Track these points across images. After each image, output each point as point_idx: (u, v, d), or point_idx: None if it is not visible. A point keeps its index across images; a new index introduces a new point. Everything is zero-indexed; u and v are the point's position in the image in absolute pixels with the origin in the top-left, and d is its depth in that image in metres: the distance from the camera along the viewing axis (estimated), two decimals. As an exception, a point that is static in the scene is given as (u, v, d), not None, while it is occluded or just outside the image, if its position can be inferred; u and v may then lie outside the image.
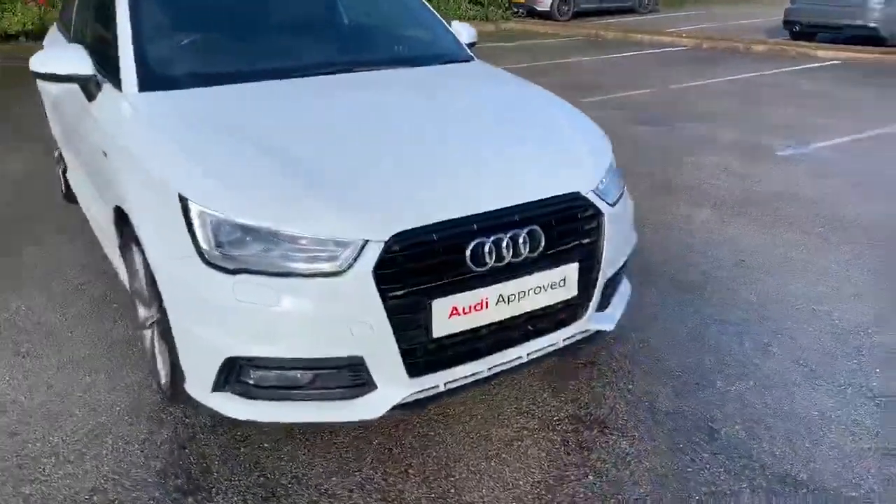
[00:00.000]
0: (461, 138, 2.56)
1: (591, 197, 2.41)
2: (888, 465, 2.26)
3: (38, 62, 2.85)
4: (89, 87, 2.87)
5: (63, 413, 2.56)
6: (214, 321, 2.13)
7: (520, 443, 2.41)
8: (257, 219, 2.08)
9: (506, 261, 2.20)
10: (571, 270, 2.37)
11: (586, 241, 2.40)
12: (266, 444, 2.40)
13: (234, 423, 2.38)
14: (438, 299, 2.12)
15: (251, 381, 2.18)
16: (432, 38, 3.43)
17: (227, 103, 2.67)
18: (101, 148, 2.74)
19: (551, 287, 2.33)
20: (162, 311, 2.27)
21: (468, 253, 2.14)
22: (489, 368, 2.30)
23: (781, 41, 11.98)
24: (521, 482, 2.23)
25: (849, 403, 2.56)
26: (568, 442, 2.41)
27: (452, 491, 2.20)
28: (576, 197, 2.38)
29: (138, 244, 2.39)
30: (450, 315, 2.16)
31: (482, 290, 2.18)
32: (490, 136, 2.62)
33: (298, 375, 2.15)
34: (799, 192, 4.78)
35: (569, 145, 2.63)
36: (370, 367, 2.13)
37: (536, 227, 2.25)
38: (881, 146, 5.99)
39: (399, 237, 2.06)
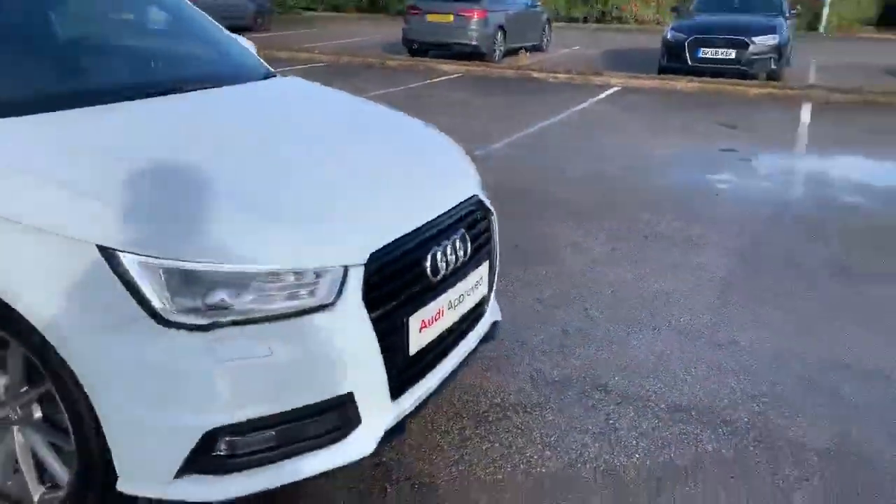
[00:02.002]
0: (358, 155, 2.48)
1: (483, 199, 2.59)
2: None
3: None
4: None
5: None
6: (187, 392, 1.76)
7: (477, 433, 2.48)
8: (219, 258, 1.77)
9: (451, 267, 2.25)
10: (484, 269, 2.52)
11: (489, 239, 2.57)
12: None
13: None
14: (413, 315, 2.08)
15: (227, 453, 1.85)
16: (238, 53, 3.17)
17: (85, 129, 2.15)
18: None
19: (476, 286, 2.45)
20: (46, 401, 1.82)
21: (427, 264, 2.14)
22: (442, 376, 2.32)
23: (408, 58, 13.36)
24: (531, 468, 2.32)
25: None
26: (511, 422, 2.55)
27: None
28: (477, 200, 2.53)
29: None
30: (420, 329, 2.14)
31: (440, 298, 2.21)
32: (381, 151, 2.58)
33: (287, 431, 1.90)
34: (506, 184, 5.49)
35: (448, 155, 2.75)
36: (358, 400, 1.99)
37: (464, 230, 2.35)
38: (542, 140, 7.23)
39: (375, 257, 1.97)
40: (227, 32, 3.26)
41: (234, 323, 1.77)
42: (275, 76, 3.15)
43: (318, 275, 1.87)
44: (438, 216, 2.27)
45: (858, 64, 14.07)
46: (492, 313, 2.69)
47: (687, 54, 11.46)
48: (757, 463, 2.39)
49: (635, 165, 6.34)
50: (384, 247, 2.01)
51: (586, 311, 3.49)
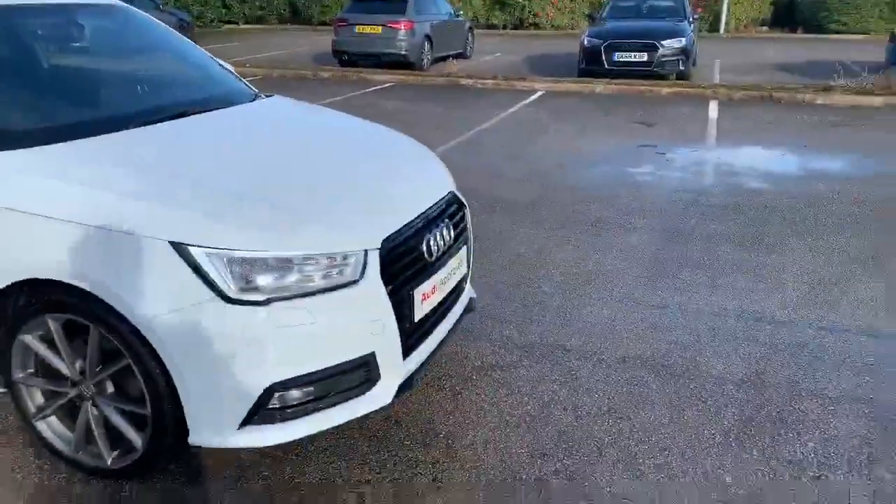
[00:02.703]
0: (355, 161, 2.95)
1: (458, 194, 3.09)
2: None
3: None
4: None
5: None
6: (250, 356, 2.19)
7: (466, 388, 2.97)
8: (267, 248, 2.21)
9: (440, 250, 2.74)
10: (463, 253, 3.03)
11: (465, 228, 3.07)
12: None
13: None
14: (416, 289, 2.57)
15: (278, 405, 2.29)
16: (225, 78, 3.57)
17: (118, 151, 2.54)
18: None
19: (458, 267, 2.96)
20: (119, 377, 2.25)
21: (423, 247, 2.63)
22: (437, 341, 2.81)
23: (341, 69, 13.75)
24: (514, 411, 2.82)
25: (611, 308, 3.79)
26: (492, 378, 3.06)
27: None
28: (453, 195, 3.03)
29: (78, 312, 2.21)
30: (422, 301, 2.62)
31: (434, 276, 2.70)
32: (371, 156, 3.06)
33: (325, 385, 2.35)
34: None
35: (426, 158, 3.24)
36: (379, 360, 2.45)
37: (447, 220, 2.85)
38: (479, 144, 7.79)
39: (386, 242, 2.45)
40: (213, 58, 3.66)
41: (284, 298, 2.21)
42: (261, 97, 3.57)
43: (345, 258, 2.33)
44: (428, 208, 2.76)
45: (756, 62, 15.34)
46: (469, 291, 3.20)
47: (604, 58, 12.30)
48: (691, 394, 2.98)
49: (566, 163, 6.98)
50: (392, 234, 2.49)
51: (540, 287, 4.04)
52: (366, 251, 2.38)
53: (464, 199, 3.08)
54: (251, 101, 3.42)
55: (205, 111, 3.08)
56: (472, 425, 2.78)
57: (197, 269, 2.14)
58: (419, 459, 2.58)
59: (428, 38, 14.27)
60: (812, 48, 18.19)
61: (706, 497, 2.39)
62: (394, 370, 2.51)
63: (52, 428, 2.51)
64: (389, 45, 13.77)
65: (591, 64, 12.52)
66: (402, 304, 2.48)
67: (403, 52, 13.77)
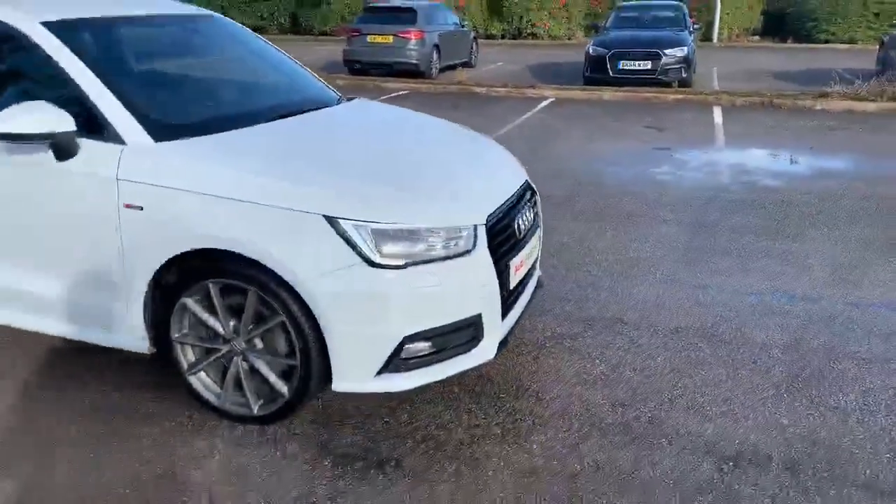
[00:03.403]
0: (448, 151, 3.37)
1: (531, 182, 3.50)
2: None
3: (7, 122, 2.59)
4: (66, 146, 2.71)
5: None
6: (389, 311, 2.58)
7: (547, 358, 3.37)
8: (402, 221, 2.61)
9: (525, 228, 3.15)
10: (538, 234, 3.43)
11: (537, 212, 3.48)
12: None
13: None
14: (511, 261, 2.97)
15: (406, 356, 2.67)
16: (311, 81, 3.98)
17: (259, 142, 2.94)
18: (125, 201, 2.67)
19: (535, 246, 3.36)
20: (269, 333, 2.67)
21: (514, 225, 3.03)
22: (521, 309, 3.21)
23: (355, 77, 14.19)
24: (588, 372, 3.22)
25: (656, 289, 4.20)
26: (564, 346, 3.46)
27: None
28: (528, 182, 3.44)
29: (235, 277, 2.60)
30: (515, 271, 3.02)
31: (522, 251, 3.10)
32: (460, 147, 3.47)
33: (442, 339, 2.74)
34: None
35: (501, 150, 3.65)
36: (484, 320, 2.85)
37: (527, 203, 3.26)
38: (506, 144, 8.19)
39: (490, 219, 2.85)
40: (298, 63, 4.07)
41: (415, 263, 2.61)
42: (347, 100, 3.95)
43: (459, 231, 2.73)
44: (515, 191, 3.18)
45: (751, 70, 15.89)
46: (538, 270, 3.60)
47: (609, 66, 12.79)
48: (742, 357, 3.39)
49: (590, 164, 7.41)
50: (493, 211, 2.90)
51: (589, 271, 4.45)
52: (475, 226, 2.78)
53: (535, 187, 3.48)
54: (340, 103, 3.81)
55: (310, 110, 3.48)
56: (555, 382, 3.18)
57: (346, 238, 2.54)
58: (516, 408, 2.98)
59: (437, 47, 14.73)
60: (803, 57, 18.80)
61: (768, 435, 2.79)
62: (494, 330, 2.90)
63: (202, 381, 2.89)
64: (400, 53, 14.21)
65: (596, 72, 13.00)
66: (501, 273, 2.88)
67: (414, 61, 14.21)
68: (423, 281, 2.62)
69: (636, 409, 2.96)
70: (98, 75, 2.81)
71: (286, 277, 2.55)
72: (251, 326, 2.73)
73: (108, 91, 2.78)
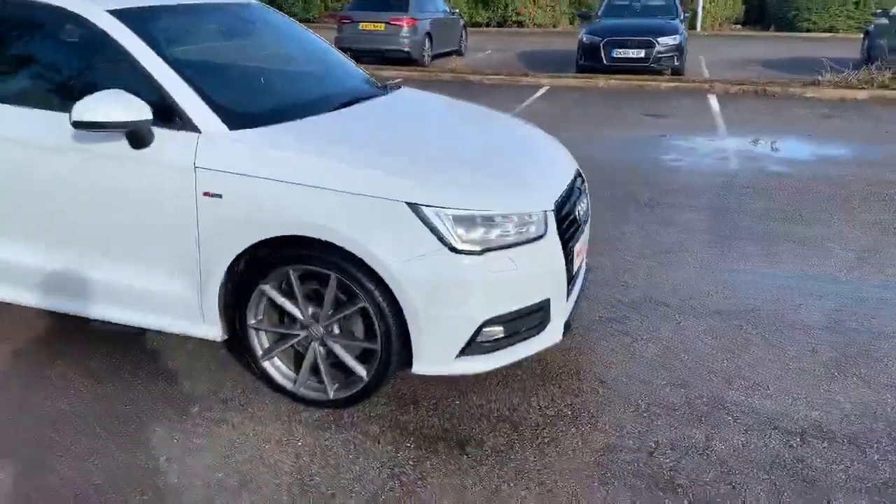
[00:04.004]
0: (504, 139, 3.42)
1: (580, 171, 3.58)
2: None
3: (86, 111, 2.59)
4: (144, 135, 2.72)
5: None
6: (470, 295, 2.64)
7: (600, 340, 3.45)
8: (480, 207, 2.66)
9: (583, 215, 3.22)
10: (588, 223, 3.51)
11: (587, 200, 3.55)
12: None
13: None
14: (574, 246, 3.04)
15: (483, 340, 2.73)
16: (355, 70, 4.00)
17: (331, 131, 2.98)
18: (203, 189, 2.69)
19: (587, 233, 3.44)
20: (350, 318, 2.73)
21: (576, 211, 3.11)
22: (578, 291, 3.28)
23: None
24: (641, 353, 3.31)
25: (690, 273, 4.31)
26: (612, 328, 3.55)
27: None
28: (578, 169, 3.51)
29: (316, 262, 2.65)
30: (576, 256, 3.09)
31: (581, 237, 3.17)
32: (513, 136, 3.52)
33: (516, 323, 2.80)
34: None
35: (552, 139, 3.71)
36: (552, 304, 2.92)
37: (582, 190, 3.33)
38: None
39: (557, 205, 2.91)
40: (338, 51, 4.08)
41: (494, 248, 2.67)
42: (391, 88, 3.95)
43: (532, 217, 2.79)
44: (573, 179, 3.24)
45: (738, 59, 16.10)
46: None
47: (602, 54, 12.87)
48: (786, 337, 3.51)
49: (600, 151, 7.51)
50: (559, 198, 2.96)
51: (624, 257, 4.54)
52: (545, 212, 2.84)
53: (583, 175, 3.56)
54: (388, 91, 3.82)
55: (362, 98, 3.50)
56: (612, 364, 3.26)
57: (428, 224, 2.58)
58: (581, 390, 3.06)
59: (428, 35, 14.70)
60: (787, 45, 19.07)
61: (826, 411, 2.90)
62: (560, 313, 2.97)
63: (275, 367, 2.92)
64: (392, 41, 14.17)
65: (589, 60, 13.08)
66: (567, 257, 2.95)
67: (406, 49, 14.18)
68: (500, 266, 2.67)
69: (696, 389, 3.06)
70: (169, 64, 2.82)
71: (370, 263, 2.59)
72: (330, 311, 2.77)
73: (181, 80, 2.79)
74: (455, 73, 13.36)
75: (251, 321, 2.86)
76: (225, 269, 2.77)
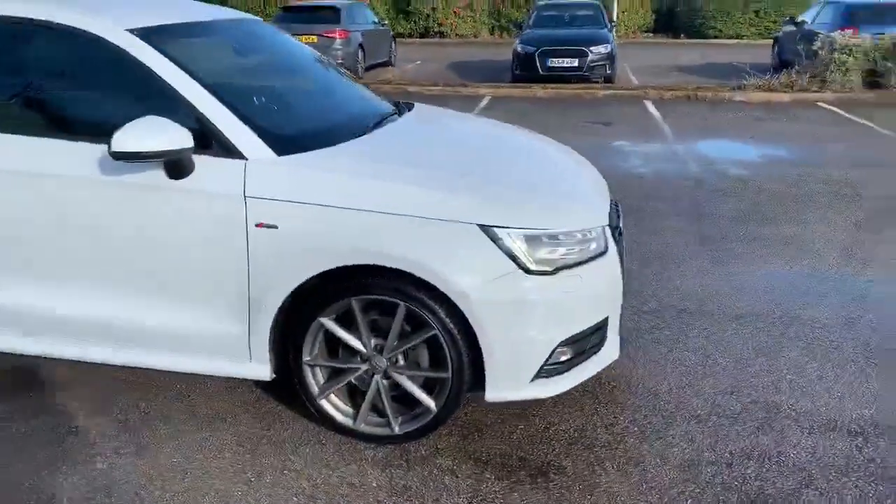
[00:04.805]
0: (540, 156, 3.36)
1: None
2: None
3: (128, 140, 2.36)
4: (185, 164, 2.50)
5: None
6: (542, 318, 2.56)
7: (638, 353, 3.44)
8: (547, 226, 2.59)
9: (622, 229, 3.21)
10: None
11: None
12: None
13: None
14: (623, 259, 3.02)
15: (555, 362, 2.66)
16: (365, 90, 3.83)
17: (380, 153, 2.85)
18: (256, 220, 2.50)
19: (623, 246, 3.43)
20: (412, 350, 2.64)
21: (620, 224, 3.09)
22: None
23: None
24: (683, 362, 3.31)
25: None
26: (649, 338, 3.55)
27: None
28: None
29: (385, 291, 2.52)
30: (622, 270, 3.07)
31: (623, 251, 3.15)
32: (544, 153, 3.46)
33: (582, 343, 2.74)
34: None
35: (575, 154, 3.67)
36: (609, 320, 2.88)
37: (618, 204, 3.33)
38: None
39: (608, 219, 2.88)
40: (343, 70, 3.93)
41: (564, 267, 2.60)
42: (405, 105, 3.78)
43: (590, 232, 2.74)
44: (611, 196, 3.23)
45: (657, 65, 16.73)
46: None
47: (538, 64, 13.10)
48: (810, 336, 3.60)
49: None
50: (608, 213, 2.93)
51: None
52: (603, 227, 2.81)
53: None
54: (405, 108, 3.66)
55: (387, 118, 3.35)
56: (657, 375, 3.25)
57: (502, 246, 2.50)
58: (638, 405, 3.03)
59: (361, 46, 14.55)
60: (699, 52, 19.96)
61: (877, 406, 2.98)
62: (615, 329, 2.94)
63: (333, 404, 2.75)
64: (326, 53, 13.83)
65: (525, 69, 13.27)
66: (622, 272, 2.92)
67: (340, 61, 13.94)
68: (572, 285, 2.61)
69: (748, 395, 3.09)
70: (203, 85, 2.62)
71: (443, 289, 2.47)
72: (396, 342, 2.63)
73: (218, 103, 2.60)
74: (393, 84, 13.25)
75: (306, 357, 2.68)
76: (280, 303, 2.58)
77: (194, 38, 3.05)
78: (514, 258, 2.50)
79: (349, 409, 2.76)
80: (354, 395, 2.79)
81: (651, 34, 25.48)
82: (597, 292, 2.74)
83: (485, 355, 2.55)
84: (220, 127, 2.57)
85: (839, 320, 3.78)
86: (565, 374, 2.72)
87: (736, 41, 22.99)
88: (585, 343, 2.76)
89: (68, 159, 2.62)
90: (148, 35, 2.68)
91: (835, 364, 3.34)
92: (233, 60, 3.29)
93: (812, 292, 4.15)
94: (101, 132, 2.51)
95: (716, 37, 23.43)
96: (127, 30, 2.66)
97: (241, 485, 2.52)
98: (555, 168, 3.21)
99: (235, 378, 3.00)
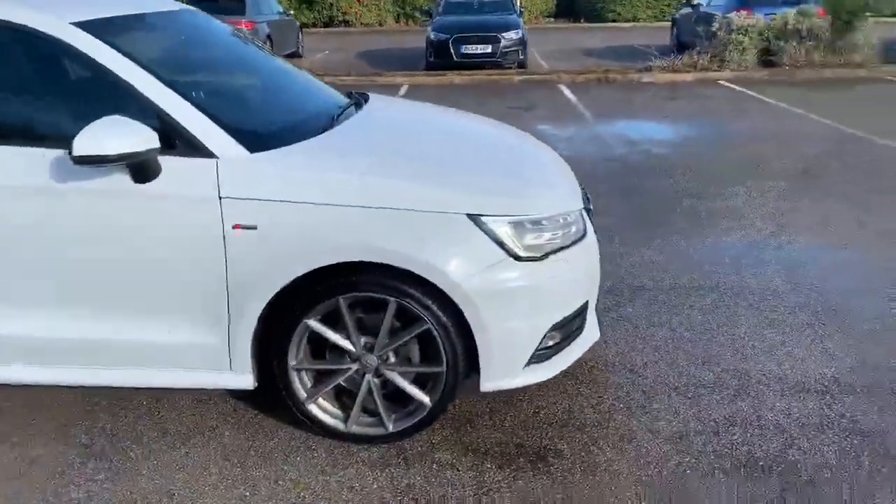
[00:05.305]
0: (509, 144, 3.37)
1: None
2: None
3: (90, 143, 2.17)
4: (151, 166, 2.33)
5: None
6: (533, 304, 2.55)
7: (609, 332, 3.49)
8: (533, 212, 2.57)
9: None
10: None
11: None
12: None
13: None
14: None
15: (544, 347, 2.66)
16: (319, 83, 3.67)
17: (355, 146, 2.75)
18: (234, 221, 2.36)
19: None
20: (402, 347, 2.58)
21: (591, 207, 3.12)
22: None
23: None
24: (650, 333, 3.38)
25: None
26: (613, 317, 3.62)
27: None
28: (567, 164, 3.54)
29: (375, 287, 2.44)
30: (597, 253, 3.11)
31: (594, 231, 3.20)
32: (517, 138, 3.47)
33: (568, 326, 2.76)
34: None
35: (533, 138, 3.68)
36: (589, 303, 2.90)
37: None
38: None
39: (584, 203, 2.91)
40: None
41: (551, 252, 2.60)
42: (362, 96, 3.61)
43: (570, 216, 2.75)
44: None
45: (563, 49, 17.14)
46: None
47: (452, 51, 13.11)
48: (763, 305, 3.78)
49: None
50: (582, 195, 2.96)
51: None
52: (580, 210, 2.83)
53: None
54: (362, 100, 3.52)
55: (346, 111, 3.21)
56: (630, 352, 3.32)
57: (491, 235, 2.47)
58: (618, 382, 3.08)
59: (269, 37, 14.09)
60: (600, 35, 20.58)
61: (834, 365, 3.15)
62: (593, 311, 2.98)
63: (321, 408, 2.65)
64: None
65: (439, 57, 13.26)
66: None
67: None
68: (559, 270, 2.62)
69: (719, 364, 3.20)
70: (162, 81, 2.44)
71: (435, 282, 2.42)
72: (387, 339, 2.56)
73: (181, 99, 2.42)
74: (305, 76, 12.92)
75: (292, 362, 2.57)
76: (262, 307, 2.46)
77: (143, 31, 2.84)
78: (503, 246, 2.48)
79: (338, 412, 2.67)
80: (340, 396, 2.71)
81: (552, 19, 26.02)
82: (580, 275, 2.76)
83: (479, 346, 2.52)
84: (185, 125, 2.40)
85: (787, 287, 3.97)
86: (553, 358, 2.72)
87: (632, 24, 23.81)
88: (571, 326, 2.78)
89: (19, 167, 2.39)
90: (96, 28, 2.47)
91: (791, 328, 3.51)
92: (183, 53, 3.08)
93: (757, 261, 4.34)
94: (54, 136, 2.31)
95: (614, 20, 24.19)
96: (72, 23, 2.45)
97: (236, 500, 2.39)
98: (522, 154, 3.21)
99: (207, 390, 2.86)
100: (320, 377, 2.65)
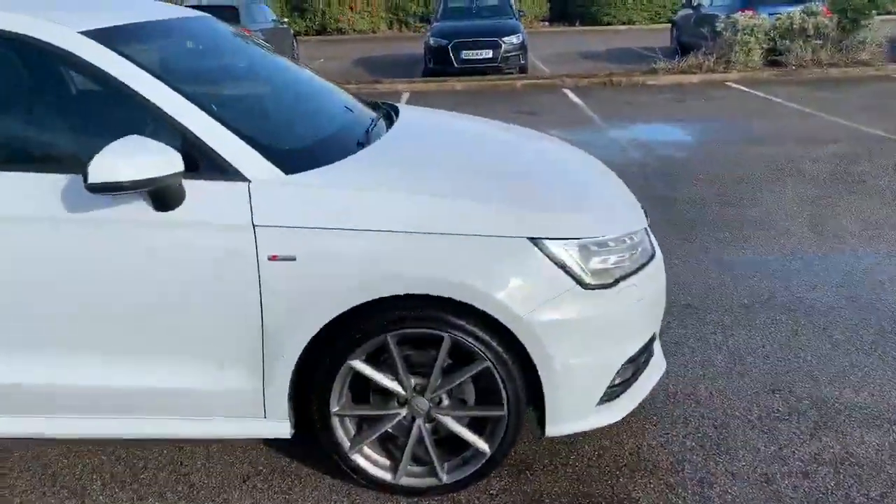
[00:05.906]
0: (561, 157, 3.10)
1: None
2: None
3: (107, 168, 1.89)
4: (174, 192, 2.05)
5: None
6: (605, 336, 2.27)
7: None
8: (594, 232, 2.28)
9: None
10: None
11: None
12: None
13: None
14: (657, 262, 2.78)
15: (617, 381, 2.37)
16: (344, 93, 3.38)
17: (398, 165, 2.45)
18: (270, 252, 2.08)
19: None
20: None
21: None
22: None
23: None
24: (709, 357, 3.11)
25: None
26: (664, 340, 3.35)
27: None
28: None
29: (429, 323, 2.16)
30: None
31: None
32: (566, 155, 3.20)
33: (637, 360, 2.47)
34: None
35: (581, 151, 3.40)
36: (656, 332, 2.63)
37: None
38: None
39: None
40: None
41: (622, 278, 2.32)
42: (390, 108, 3.35)
43: (635, 236, 2.46)
44: (628, 190, 2.99)
45: (562, 53, 16.92)
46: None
47: (452, 57, 12.85)
48: (822, 322, 3.52)
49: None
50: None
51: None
52: (645, 228, 2.56)
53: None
54: (393, 111, 3.25)
55: (383, 126, 2.92)
56: (691, 379, 3.05)
57: (555, 260, 2.19)
58: (684, 415, 2.80)
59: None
60: (597, 38, 20.39)
61: (914, 392, 2.91)
62: (657, 339, 2.70)
63: (366, 457, 2.36)
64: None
65: (439, 63, 13.00)
66: (661, 276, 2.69)
67: (244, 63, 13.20)
68: (631, 296, 2.33)
69: (791, 392, 2.93)
70: (185, 96, 2.15)
71: (496, 315, 2.14)
72: (440, 380, 2.28)
73: (206, 116, 2.13)
74: (303, 85, 12.63)
75: (335, 407, 2.28)
76: (301, 348, 2.17)
77: (159, 40, 2.55)
78: (570, 273, 2.20)
79: (385, 461, 2.38)
80: (385, 443, 2.43)
81: (547, 23, 25.82)
82: (651, 301, 2.48)
83: (545, 385, 2.24)
84: (212, 145, 2.11)
85: (843, 302, 3.71)
86: (622, 395, 2.44)
87: (628, 27, 23.64)
88: (640, 358, 2.51)
89: (26, 196, 2.10)
90: (108, 38, 2.18)
91: (860, 349, 3.25)
92: (204, 64, 2.80)
93: (805, 273, 4.08)
94: (65, 159, 2.02)
95: (609, 23, 24.01)
96: (80, 32, 2.16)
97: (279, 571, 2.11)
98: (574, 168, 2.94)
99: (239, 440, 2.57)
100: (363, 423, 2.37)
